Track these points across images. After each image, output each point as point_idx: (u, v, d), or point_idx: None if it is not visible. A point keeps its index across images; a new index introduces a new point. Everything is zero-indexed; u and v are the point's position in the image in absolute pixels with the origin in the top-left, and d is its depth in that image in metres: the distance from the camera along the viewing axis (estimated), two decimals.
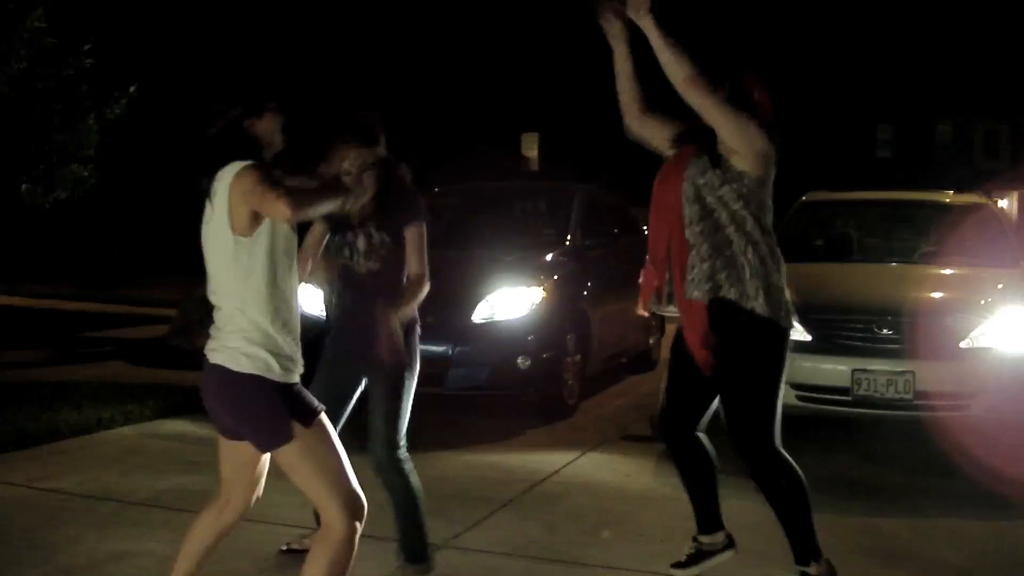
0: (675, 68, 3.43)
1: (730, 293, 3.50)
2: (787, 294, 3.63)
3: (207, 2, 22.09)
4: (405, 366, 3.64)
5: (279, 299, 2.83)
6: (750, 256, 3.51)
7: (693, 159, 3.60)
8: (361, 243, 3.66)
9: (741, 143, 3.48)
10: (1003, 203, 24.54)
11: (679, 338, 3.69)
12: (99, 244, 18.23)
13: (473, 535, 4.30)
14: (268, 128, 2.98)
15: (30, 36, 11.23)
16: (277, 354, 2.80)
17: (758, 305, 3.50)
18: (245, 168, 2.79)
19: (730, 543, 3.82)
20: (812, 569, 3.51)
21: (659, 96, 3.73)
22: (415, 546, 3.74)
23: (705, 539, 3.79)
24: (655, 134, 3.79)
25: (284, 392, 2.80)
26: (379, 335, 3.48)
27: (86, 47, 11.91)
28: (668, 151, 3.76)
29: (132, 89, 12.36)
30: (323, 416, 2.86)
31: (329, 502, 2.81)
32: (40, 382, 7.73)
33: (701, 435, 3.73)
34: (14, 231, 16.94)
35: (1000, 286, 6.07)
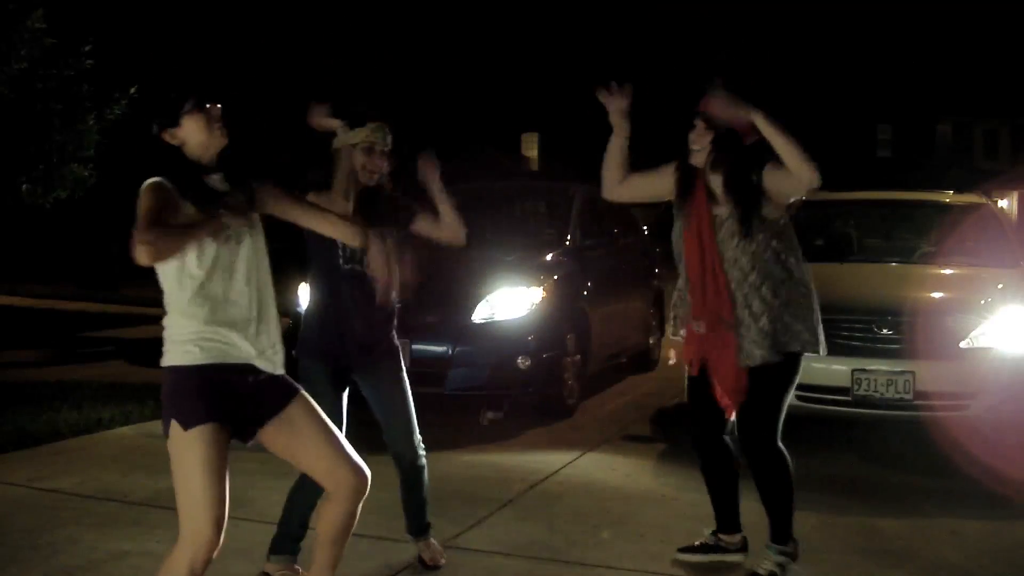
0: (804, 166, 3.49)
1: (783, 346, 3.72)
2: (816, 316, 3.82)
3: (207, 3, 22.08)
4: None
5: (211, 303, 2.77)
6: (787, 298, 3.69)
7: (720, 220, 3.68)
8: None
9: (793, 195, 3.68)
10: (1003, 203, 24.53)
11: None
12: (99, 244, 18.22)
13: (473, 535, 4.30)
14: (193, 131, 2.81)
15: (30, 37, 11.24)
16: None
17: (794, 344, 3.75)
18: (143, 188, 2.70)
19: (744, 547, 4.01)
20: (789, 547, 3.82)
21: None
22: (424, 520, 3.92)
23: (724, 536, 4.01)
24: (646, 191, 3.93)
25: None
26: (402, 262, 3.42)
27: (86, 48, 11.92)
28: (669, 197, 3.88)
29: (133, 90, 12.36)
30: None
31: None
32: (40, 382, 7.73)
33: (728, 439, 3.93)
34: (14, 231, 16.94)
35: (1000, 286, 6.07)
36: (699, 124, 3.71)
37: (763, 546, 3.85)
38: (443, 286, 6.34)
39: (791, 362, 3.78)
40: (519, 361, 6.48)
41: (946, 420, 5.54)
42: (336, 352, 3.68)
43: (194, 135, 2.82)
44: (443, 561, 3.92)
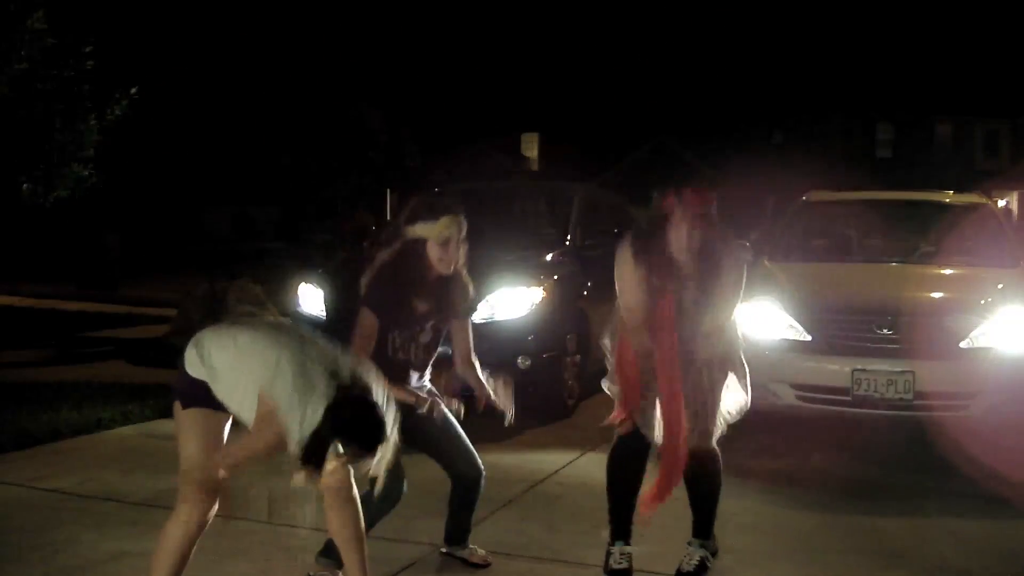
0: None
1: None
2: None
3: (208, 4, 22.09)
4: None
5: None
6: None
7: (684, 283, 3.76)
8: (425, 337, 3.78)
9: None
10: (1003, 203, 24.52)
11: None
12: (99, 244, 18.23)
13: (473, 535, 4.28)
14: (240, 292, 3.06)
15: (31, 37, 11.25)
16: None
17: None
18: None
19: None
20: (711, 543, 3.91)
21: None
22: (467, 530, 3.99)
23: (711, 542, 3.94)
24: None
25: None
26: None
27: (87, 48, 11.93)
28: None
29: (133, 91, 12.37)
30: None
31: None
32: (40, 382, 7.73)
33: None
34: (14, 231, 16.96)
35: (1000, 286, 6.06)
36: (686, 222, 3.74)
37: (687, 543, 3.90)
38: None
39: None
40: (519, 361, 6.47)
41: (946, 420, 5.53)
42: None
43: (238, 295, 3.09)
44: (490, 559, 3.97)
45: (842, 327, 5.70)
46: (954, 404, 5.53)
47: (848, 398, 5.61)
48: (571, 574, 3.96)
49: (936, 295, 6.14)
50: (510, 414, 3.79)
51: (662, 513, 4.65)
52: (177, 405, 3.10)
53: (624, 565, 3.81)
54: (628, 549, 3.86)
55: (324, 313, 6.81)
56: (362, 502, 3.65)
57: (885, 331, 5.64)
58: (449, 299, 3.80)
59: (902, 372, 5.52)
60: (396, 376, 3.61)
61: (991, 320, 5.63)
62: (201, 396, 3.01)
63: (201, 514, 3.01)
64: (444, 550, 4.00)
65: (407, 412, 3.61)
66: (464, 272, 3.90)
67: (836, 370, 5.62)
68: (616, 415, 3.96)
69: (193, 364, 3.02)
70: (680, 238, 3.73)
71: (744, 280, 3.79)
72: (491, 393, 3.82)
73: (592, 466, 5.69)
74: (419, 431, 3.71)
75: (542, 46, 27.84)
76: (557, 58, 28.09)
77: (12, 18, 11.09)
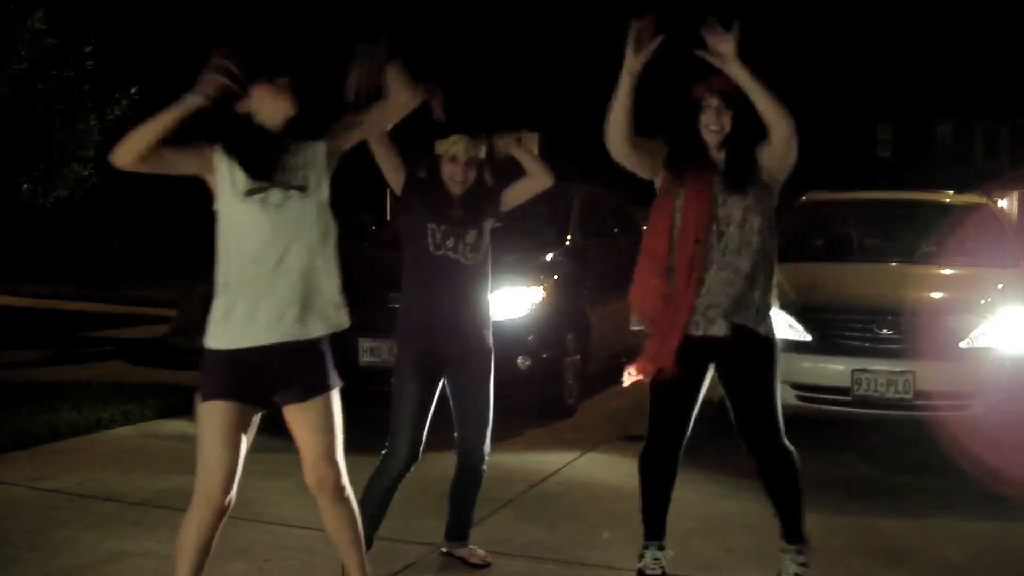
0: (782, 120, 3.44)
1: (748, 320, 3.56)
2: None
3: (208, 4, 22.10)
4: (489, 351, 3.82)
5: (230, 263, 2.93)
6: (765, 280, 3.58)
7: (721, 184, 3.56)
8: (471, 236, 3.74)
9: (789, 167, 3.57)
10: (1003, 203, 24.52)
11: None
12: (99, 244, 18.23)
13: (473, 535, 4.28)
14: (256, 101, 2.94)
15: (31, 37, 11.25)
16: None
17: (767, 328, 3.60)
18: None
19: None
20: (806, 547, 3.64)
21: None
22: (468, 525, 4.00)
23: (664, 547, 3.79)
24: (643, 163, 3.74)
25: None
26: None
27: (87, 49, 11.93)
28: (652, 176, 3.75)
29: (133, 91, 12.38)
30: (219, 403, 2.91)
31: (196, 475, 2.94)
32: (40, 382, 7.73)
33: (680, 453, 3.75)
34: (14, 231, 16.95)
35: (1000, 286, 6.07)
36: (714, 103, 3.58)
37: (779, 550, 3.68)
38: None
39: (768, 349, 3.62)
40: (519, 361, 6.47)
41: (946, 420, 5.53)
42: (426, 338, 3.71)
43: (257, 103, 2.94)
44: (490, 559, 3.96)
45: (842, 327, 5.70)
46: (954, 404, 5.53)
47: (848, 398, 5.62)
48: (571, 574, 3.96)
49: (936, 295, 6.14)
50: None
51: None
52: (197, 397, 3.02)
53: (657, 572, 3.70)
54: (660, 554, 3.73)
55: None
56: (368, 491, 3.66)
57: (885, 331, 5.64)
58: (482, 206, 3.81)
59: (902, 372, 5.52)
60: (441, 274, 3.68)
61: (991, 320, 5.63)
62: (219, 387, 2.92)
63: (208, 516, 2.94)
64: (444, 550, 4.00)
65: (461, 370, 3.73)
66: (493, 180, 3.90)
67: (836, 370, 5.62)
68: (643, 366, 3.70)
69: None
70: (709, 125, 3.58)
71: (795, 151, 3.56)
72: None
73: (592, 466, 5.70)
74: (458, 392, 3.79)
75: (543, 46, 27.85)
76: (557, 58, 28.10)
77: (12, 18, 11.09)
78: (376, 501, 3.68)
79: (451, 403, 3.84)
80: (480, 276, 3.79)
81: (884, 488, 5.26)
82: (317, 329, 2.99)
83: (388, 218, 16.96)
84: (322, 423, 3.02)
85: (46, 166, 11.76)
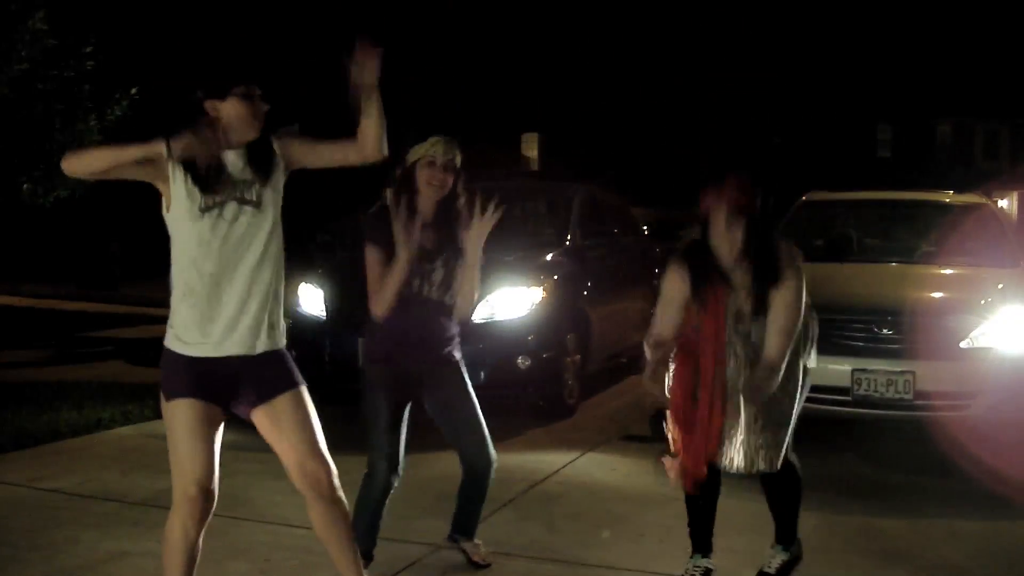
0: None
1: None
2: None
3: (208, 4, 22.09)
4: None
5: (191, 274, 2.92)
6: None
7: (736, 297, 3.49)
8: (438, 275, 3.67)
9: None
10: (1003, 203, 24.53)
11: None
12: (99, 244, 18.22)
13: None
14: (232, 113, 2.92)
15: (31, 37, 11.24)
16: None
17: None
18: None
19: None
20: (794, 548, 3.80)
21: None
22: (475, 522, 3.97)
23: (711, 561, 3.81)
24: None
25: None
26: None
27: (87, 49, 11.92)
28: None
29: (133, 91, 12.37)
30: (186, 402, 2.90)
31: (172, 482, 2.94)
32: (40, 382, 7.73)
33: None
34: (14, 231, 16.94)
35: (1000, 286, 6.07)
36: (728, 211, 3.44)
37: (770, 547, 3.82)
38: None
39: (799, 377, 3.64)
40: (519, 361, 6.48)
41: (946, 420, 5.53)
42: (393, 358, 3.65)
43: (234, 116, 2.93)
44: (491, 560, 3.95)
45: (842, 327, 5.70)
46: (954, 404, 5.53)
47: (848, 398, 5.62)
48: (571, 574, 3.96)
49: (936, 295, 6.14)
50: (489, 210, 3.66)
51: (662, 513, 4.66)
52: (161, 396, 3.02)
53: None
54: (703, 562, 3.71)
55: (324, 313, 6.81)
56: (361, 499, 3.66)
57: (885, 331, 5.64)
58: (453, 234, 3.69)
59: (902, 372, 5.52)
60: (417, 316, 3.61)
61: (991, 320, 5.63)
62: (180, 386, 2.92)
63: (190, 514, 2.93)
64: (449, 536, 3.98)
65: (436, 386, 3.66)
66: (467, 211, 3.75)
67: (836, 370, 5.62)
68: (677, 467, 3.58)
69: None
70: (721, 238, 3.44)
71: (804, 289, 3.45)
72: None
73: (592, 466, 5.70)
74: (442, 409, 3.74)
75: (543, 46, 27.85)
76: (558, 58, 28.11)
77: (12, 18, 11.08)
78: (368, 519, 3.67)
79: (439, 424, 3.80)
80: (448, 303, 3.72)
81: (884, 488, 5.26)
82: (263, 345, 2.98)
83: None
84: (295, 419, 3.00)
85: (46, 166, 11.74)
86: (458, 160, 3.70)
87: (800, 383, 3.65)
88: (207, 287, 2.91)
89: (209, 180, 2.89)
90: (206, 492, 2.90)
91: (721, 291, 3.49)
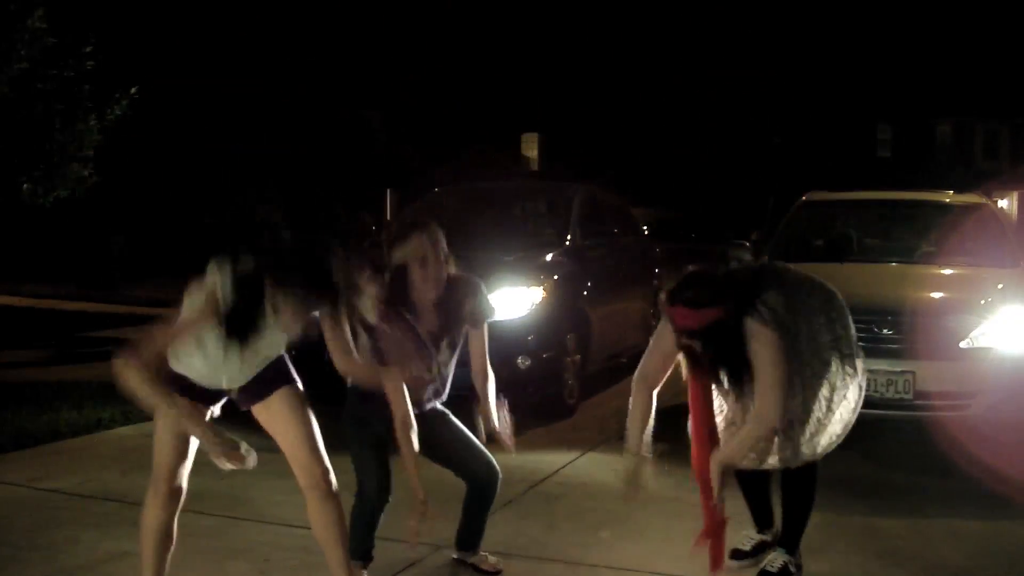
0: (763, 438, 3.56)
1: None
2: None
3: (208, 4, 22.10)
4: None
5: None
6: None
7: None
8: (444, 355, 3.74)
9: None
10: (1003, 203, 24.53)
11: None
12: (99, 244, 18.22)
13: None
14: (285, 316, 2.97)
15: (31, 37, 11.26)
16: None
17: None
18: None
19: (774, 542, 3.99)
20: (796, 557, 3.85)
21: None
22: (480, 535, 3.95)
23: (767, 534, 4.02)
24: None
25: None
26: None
27: (87, 48, 11.93)
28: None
29: (133, 91, 12.38)
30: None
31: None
32: (40, 382, 7.73)
33: None
34: (14, 231, 16.95)
35: (1000, 286, 6.07)
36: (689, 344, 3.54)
37: (772, 549, 3.89)
38: None
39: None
40: (519, 361, 6.47)
41: (946, 420, 5.54)
42: (377, 410, 3.55)
43: (284, 316, 2.96)
44: (501, 566, 3.94)
45: None
46: (954, 404, 5.53)
47: None
48: (571, 574, 3.96)
49: (936, 295, 6.14)
50: (512, 443, 3.81)
51: (662, 513, 4.66)
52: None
53: (745, 547, 3.95)
54: (757, 536, 3.97)
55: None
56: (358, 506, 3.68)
57: (885, 331, 5.64)
58: (456, 312, 3.71)
59: (902, 372, 5.52)
60: (414, 394, 3.54)
61: (991, 320, 5.63)
62: (168, 381, 3.07)
63: (162, 503, 3.11)
64: (455, 556, 3.98)
65: (420, 422, 3.56)
66: (470, 278, 3.80)
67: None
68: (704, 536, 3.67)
69: None
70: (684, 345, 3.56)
71: (780, 344, 3.50)
72: (495, 424, 3.80)
73: (592, 466, 5.70)
74: (432, 441, 3.69)
75: (542, 46, 27.86)
76: (558, 58, 28.11)
77: (12, 18, 11.10)
78: (362, 532, 3.67)
79: (439, 463, 3.79)
80: (447, 374, 3.81)
81: (884, 488, 5.26)
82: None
83: (388, 218, 16.95)
84: (290, 416, 3.09)
85: (46, 166, 11.76)
86: (444, 243, 3.67)
87: (830, 388, 3.85)
88: (220, 351, 3.03)
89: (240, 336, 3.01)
90: (176, 483, 3.10)
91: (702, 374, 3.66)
